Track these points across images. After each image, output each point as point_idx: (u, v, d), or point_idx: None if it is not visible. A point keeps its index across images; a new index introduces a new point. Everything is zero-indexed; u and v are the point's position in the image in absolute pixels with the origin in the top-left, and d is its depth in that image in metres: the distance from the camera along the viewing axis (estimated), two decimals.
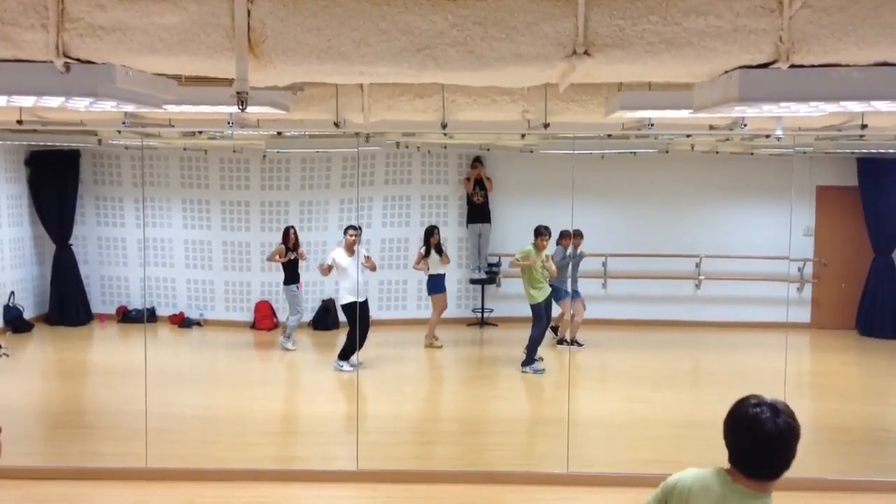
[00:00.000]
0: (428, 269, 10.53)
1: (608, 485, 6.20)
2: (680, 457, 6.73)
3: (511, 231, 11.76)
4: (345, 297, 9.17)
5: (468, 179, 11.96)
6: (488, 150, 11.73)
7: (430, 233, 10.65)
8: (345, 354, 9.17)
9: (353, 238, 9.17)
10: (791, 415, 2.49)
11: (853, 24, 2.66)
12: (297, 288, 10.44)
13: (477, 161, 11.89)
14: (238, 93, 2.92)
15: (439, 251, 10.54)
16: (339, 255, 9.18)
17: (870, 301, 11.66)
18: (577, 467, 6.29)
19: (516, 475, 6.29)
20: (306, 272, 11.40)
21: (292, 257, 10.34)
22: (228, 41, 2.85)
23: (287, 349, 10.38)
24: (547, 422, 7.97)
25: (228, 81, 3.06)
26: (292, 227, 10.59)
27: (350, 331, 9.14)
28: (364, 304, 9.09)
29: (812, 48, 2.72)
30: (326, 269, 9.27)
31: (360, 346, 8.79)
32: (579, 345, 10.31)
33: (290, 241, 10.41)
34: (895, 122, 6.00)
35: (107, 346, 11.48)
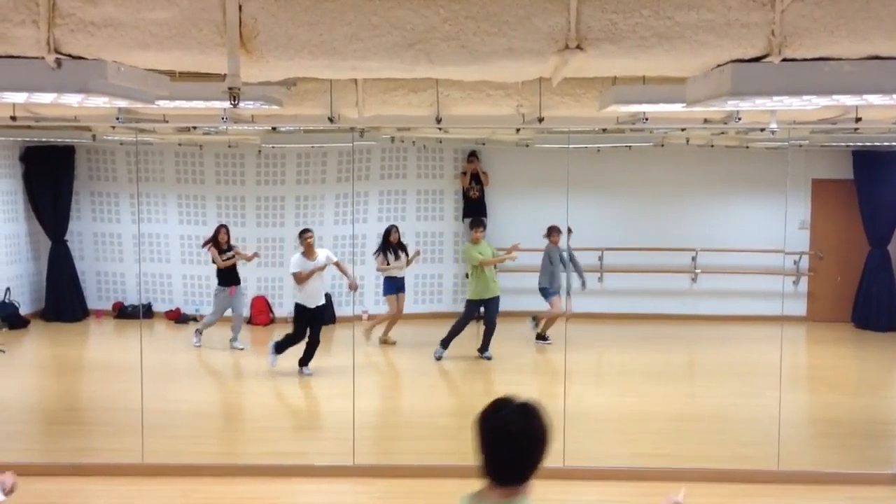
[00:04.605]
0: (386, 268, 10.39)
1: (604, 479, 6.22)
2: (675, 451, 6.76)
3: (507, 225, 11.76)
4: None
5: (464, 174, 11.95)
6: (484, 144, 11.72)
7: (389, 232, 10.46)
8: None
9: (309, 240, 9.17)
10: (535, 416, 2.32)
11: (845, 17, 2.66)
12: (230, 292, 10.10)
13: (473, 155, 11.88)
14: (230, 88, 2.91)
15: (402, 250, 10.46)
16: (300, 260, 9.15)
17: (865, 294, 11.68)
18: (573, 461, 6.30)
19: None
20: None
21: (229, 256, 10.05)
22: (220, 36, 2.85)
23: (237, 348, 10.21)
24: None
25: (222, 77, 3.05)
26: (224, 225, 10.32)
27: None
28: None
29: (804, 42, 2.72)
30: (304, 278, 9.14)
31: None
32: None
33: (222, 240, 10.06)
34: (889, 116, 6.00)
35: (103, 342, 11.47)
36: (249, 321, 11.57)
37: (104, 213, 12.13)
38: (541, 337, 10.34)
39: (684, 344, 10.93)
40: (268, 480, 6.17)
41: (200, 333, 10.27)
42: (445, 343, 9.77)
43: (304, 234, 9.27)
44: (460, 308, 11.91)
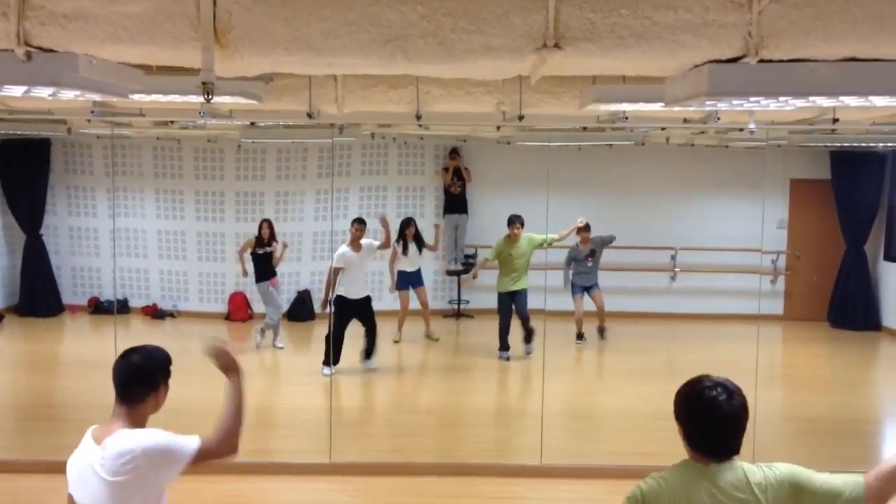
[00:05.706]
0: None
1: (581, 476, 6.22)
2: (653, 448, 6.78)
3: (487, 222, 11.75)
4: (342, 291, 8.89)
5: (445, 170, 11.94)
6: (465, 140, 11.71)
7: (406, 225, 10.28)
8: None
9: (360, 232, 8.95)
10: (741, 392, 2.61)
11: (821, 19, 2.67)
12: (271, 285, 9.96)
13: (454, 152, 11.86)
14: (203, 83, 2.88)
15: (416, 245, 10.28)
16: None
17: (841, 293, 11.79)
18: (551, 459, 6.31)
19: (490, 467, 6.30)
20: (287, 264, 11.27)
21: (268, 251, 9.89)
22: (194, 31, 2.81)
23: (277, 347, 10.05)
24: (521, 414, 7.99)
25: (198, 71, 3.01)
26: (268, 219, 10.12)
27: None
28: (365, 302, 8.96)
29: (781, 43, 2.73)
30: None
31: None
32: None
33: (265, 234, 9.89)
34: (866, 117, 6.05)
35: (78, 338, 11.34)
36: (228, 317, 11.50)
37: (80, 207, 11.99)
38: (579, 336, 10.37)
39: (662, 342, 10.98)
40: (244, 478, 6.13)
41: (263, 334, 10.07)
42: (502, 346, 9.64)
43: (352, 224, 9.06)
44: (441, 304, 11.93)
